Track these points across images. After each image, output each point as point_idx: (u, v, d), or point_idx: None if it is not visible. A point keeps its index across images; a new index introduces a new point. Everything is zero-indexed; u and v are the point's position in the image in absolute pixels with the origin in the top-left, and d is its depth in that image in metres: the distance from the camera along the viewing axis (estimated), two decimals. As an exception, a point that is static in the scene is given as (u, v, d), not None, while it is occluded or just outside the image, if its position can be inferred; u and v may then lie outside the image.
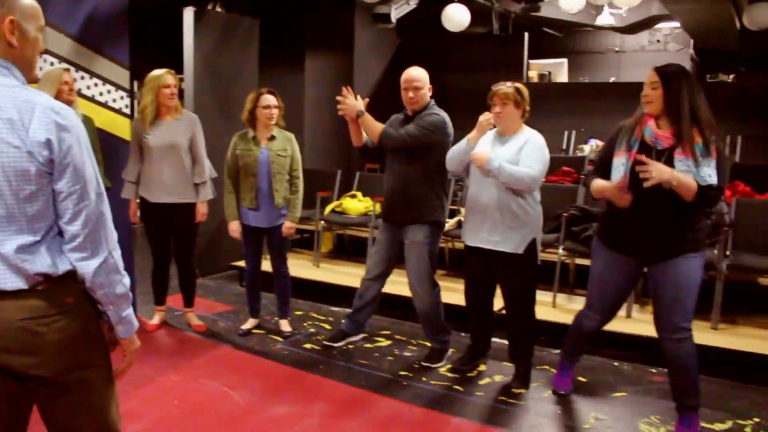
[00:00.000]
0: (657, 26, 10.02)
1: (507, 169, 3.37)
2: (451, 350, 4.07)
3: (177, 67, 5.73)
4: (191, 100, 5.78)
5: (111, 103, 4.49)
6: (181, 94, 5.40)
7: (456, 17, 7.29)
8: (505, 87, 3.50)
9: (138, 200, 4.38)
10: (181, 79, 4.37)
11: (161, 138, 4.18)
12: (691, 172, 2.79)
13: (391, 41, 8.46)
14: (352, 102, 3.79)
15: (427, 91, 3.84)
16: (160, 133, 4.19)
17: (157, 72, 4.17)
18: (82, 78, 4.27)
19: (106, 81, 4.44)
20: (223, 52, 6.02)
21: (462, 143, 3.61)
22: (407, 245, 3.89)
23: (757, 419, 3.28)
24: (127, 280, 1.70)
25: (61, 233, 1.62)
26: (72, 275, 1.63)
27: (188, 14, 5.69)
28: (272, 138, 4.16)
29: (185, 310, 4.63)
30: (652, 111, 2.92)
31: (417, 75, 3.80)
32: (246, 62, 6.28)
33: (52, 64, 4.12)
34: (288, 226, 4.23)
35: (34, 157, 1.53)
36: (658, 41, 11.00)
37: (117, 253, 1.69)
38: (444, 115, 3.82)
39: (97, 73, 4.38)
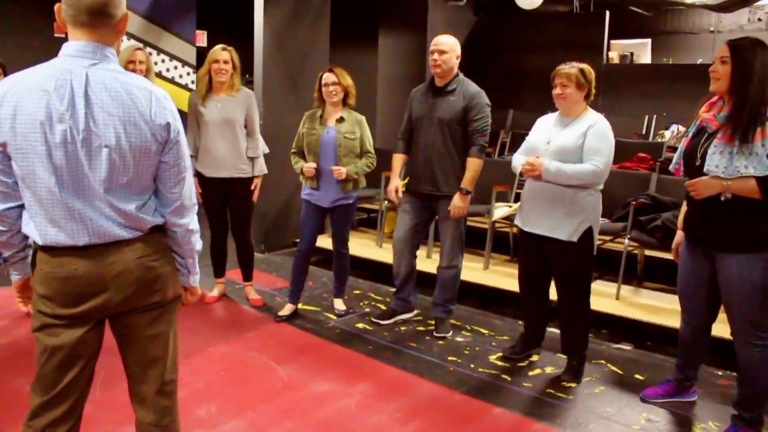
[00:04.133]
0: (758, 3, 9.34)
1: (567, 172, 3.23)
2: (506, 337, 3.97)
3: (248, 43, 5.81)
4: (260, 77, 5.84)
5: (177, 79, 4.60)
6: (249, 70, 5.47)
7: (531, -5, 7.03)
8: (567, 67, 3.34)
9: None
10: (242, 57, 4.35)
11: (217, 113, 4.24)
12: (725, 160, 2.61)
13: (467, 20, 8.28)
14: (460, 203, 3.87)
15: (453, 59, 3.89)
16: (215, 108, 4.25)
17: (217, 47, 4.22)
18: (150, 54, 4.37)
19: (173, 57, 4.54)
20: (293, 28, 6.04)
21: (521, 161, 3.48)
22: (442, 218, 4.00)
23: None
24: (200, 240, 2.04)
25: (155, 195, 1.93)
26: (162, 228, 1.94)
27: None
28: (341, 120, 4.12)
29: (244, 284, 4.71)
30: (718, 88, 2.71)
31: (443, 39, 3.89)
32: (317, 39, 6.27)
33: (121, 41, 4.24)
34: (336, 168, 4.09)
35: (156, 137, 1.83)
36: (759, 20, 10.27)
37: (195, 217, 2.02)
38: (482, 91, 3.92)
39: (164, 49, 4.49)
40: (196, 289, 2.13)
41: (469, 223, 5.26)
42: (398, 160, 4.15)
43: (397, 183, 4.10)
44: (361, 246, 5.66)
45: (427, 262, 5.09)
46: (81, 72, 1.75)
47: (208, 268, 4.75)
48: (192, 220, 1.99)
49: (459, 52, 3.91)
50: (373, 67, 7.78)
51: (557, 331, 3.74)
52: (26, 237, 1.89)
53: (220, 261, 4.69)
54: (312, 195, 4.21)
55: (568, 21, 8.07)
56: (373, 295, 4.92)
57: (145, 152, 1.82)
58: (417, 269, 4.30)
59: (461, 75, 3.95)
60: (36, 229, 1.80)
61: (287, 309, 4.38)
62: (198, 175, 4.35)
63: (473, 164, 3.86)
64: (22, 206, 1.83)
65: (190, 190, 1.97)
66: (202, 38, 8.49)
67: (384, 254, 5.44)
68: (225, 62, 4.18)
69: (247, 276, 4.68)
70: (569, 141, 3.30)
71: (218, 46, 4.21)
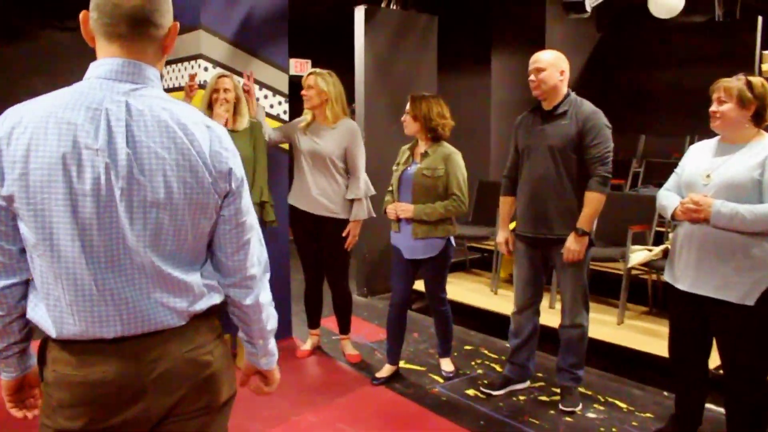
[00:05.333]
0: None
1: (746, 215, 2.49)
2: (649, 414, 3.21)
3: (349, 69, 5.40)
4: (362, 104, 5.40)
5: (269, 109, 4.20)
6: (351, 97, 5.04)
7: (667, 2, 6.19)
8: (731, 80, 2.62)
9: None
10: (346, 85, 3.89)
11: (310, 144, 3.80)
12: None
13: (590, 36, 7.51)
14: (575, 246, 3.18)
15: (555, 75, 3.21)
16: (309, 139, 3.82)
17: (216, 71, 3.83)
18: (238, 83, 3.99)
19: (263, 86, 4.15)
20: (397, 52, 5.57)
21: (674, 201, 2.76)
22: (560, 266, 3.29)
23: None
24: (274, 313, 1.58)
25: (211, 262, 1.48)
26: (216, 307, 1.49)
27: (359, 13, 5.31)
28: (425, 155, 3.55)
29: (340, 337, 4.20)
30: None
31: (541, 54, 3.27)
32: (423, 63, 5.78)
33: (206, 69, 3.90)
34: (396, 205, 3.56)
35: (215, 188, 1.38)
36: None
37: (267, 286, 1.55)
38: (598, 111, 3.22)
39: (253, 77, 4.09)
40: (272, 374, 1.66)
41: (600, 268, 4.53)
42: (506, 204, 3.51)
43: (506, 233, 3.47)
44: (474, 292, 5.03)
45: (549, 313, 4.36)
46: (118, 99, 1.31)
47: (302, 314, 4.28)
48: (262, 292, 1.52)
49: (564, 67, 3.24)
50: (486, 91, 7.19)
51: (718, 409, 2.94)
52: (28, 323, 1.41)
53: (315, 309, 4.21)
54: (397, 240, 3.66)
55: (708, 31, 7.12)
56: (486, 352, 4.26)
57: (202, 208, 1.37)
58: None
59: (573, 94, 3.27)
60: (49, 314, 1.32)
61: (386, 370, 3.80)
62: (291, 208, 3.97)
63: (592, 199, 3.16)
64: (27, 282, 1.36)
65: (258, 255, 1.51)
66: (305, 67, 8.25)
67: (500, 302, 4.75)
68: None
69: (344, 328, 4.16)
70: (739, 174, 2.56)
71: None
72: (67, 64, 6.73)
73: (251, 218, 1.48)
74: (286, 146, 4.16)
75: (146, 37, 1.36)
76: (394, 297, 3.74)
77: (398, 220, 3.58)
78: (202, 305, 1.42)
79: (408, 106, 3.56)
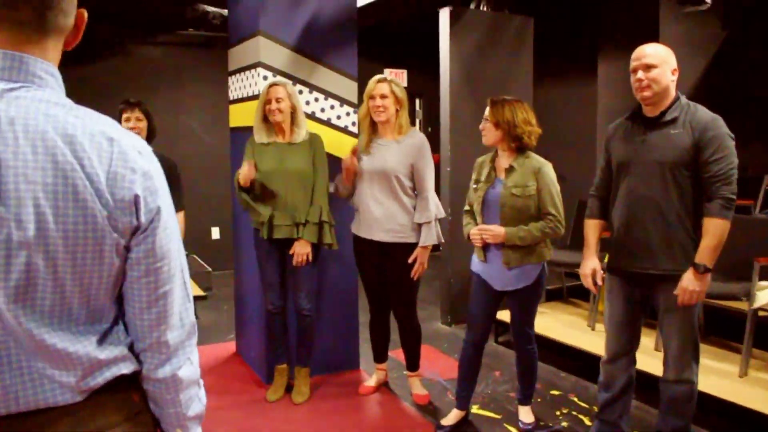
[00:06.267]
0: None
1: None
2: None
3: (434, 75, 4.97)
4: (447, 114, 4.96)
5: (335, 121, 3.85)
6: (433, 109, 4.61)
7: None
8: None
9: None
10: (404, 91, 3.49)
11: (371, 161, 3.41)
12: None
13: (712, 34, 6.65)
14: (694, 285, 2.56)
15: (667, 75, 2.61)
16: (372, 154, 3.42)
17: (271, 79, 3.53)
18: (300, 92, 3.67)
19: (328, 95, 3.81)
20: (488, 57, 5.08)
21: None
22: (665, 309, 2.67)
23: None
24: (203, 395, 1.22)
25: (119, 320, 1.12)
26: (137, 373, 1.13)
27: (444, 15, 4.87)
28: (510, 170, 3.05)
29: (407, 374, 3.76)
30: None
31: (649, 49, 2.65)
32: (516, 69, 5.25)
33: (265, 78, 3.59)
34: (482, 227, 3.06)
35: (113, 222, 1.03)
36: None
37: (195, 355, 1.19)
38: (718, 119, 2.60)
39: (317, 86, 3.76)
40: None
41: (718, 304, 3.80)
42: (592, 228, 2.93)
43: (593, 263, 2.89)
44: (569, 326, 4.43)
45: (649, 356, 3.69)
46: None
47: (368, 343, 3.89)
48: (184, 366, 1.15)
49: (675, 64, 2.64)
50: (592, 98, 6.51)
51: None
52: None
53: (380, 342, 3.80)
54: (481, 269, 3.16)
55: None
56: (576, 399, 3.67)
57: (92, 248, 1.02)
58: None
59: (683, 98, 2.66)
60: None
61: (453, 416, 3.32)
62: (354, 234, 3.60)
63: (715, 227, 2.53)
64: None
65: (180, 314, 1.14)
66: (401, 77, 7.89)
67: (597, 341, 4.11)
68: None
69: (412, 365, 3.72)
70: None
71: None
72: (156, 79, 6.79)
73: (172, 264, 1.11)
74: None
75: (39, 19, 1.03)
76: (471, 333, 3.24)
77: (485, 245, 3.10)
78: (101, 378, 1.07)
79: (487, 112, 3.07)
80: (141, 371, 1.13)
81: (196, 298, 5.54)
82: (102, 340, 1.07)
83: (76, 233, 1.00)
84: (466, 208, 3.25)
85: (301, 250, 3.40)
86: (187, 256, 4.74)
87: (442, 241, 3.52)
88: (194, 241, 6.63)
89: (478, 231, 3.07)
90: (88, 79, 6.04)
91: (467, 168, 3.48)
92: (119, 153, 1.04)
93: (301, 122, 3.43)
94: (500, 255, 3.04)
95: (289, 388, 3.68)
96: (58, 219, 0.98)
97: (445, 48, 4.89)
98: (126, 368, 1.10)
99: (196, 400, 1.19)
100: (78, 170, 0.99)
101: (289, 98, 3.36)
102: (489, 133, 3.07)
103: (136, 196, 1.04)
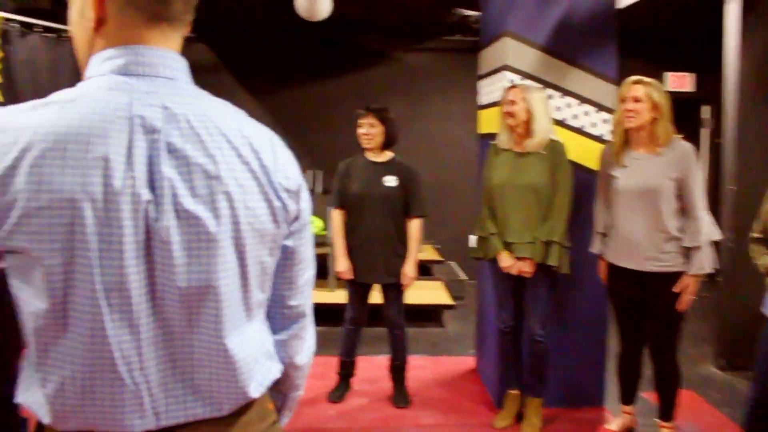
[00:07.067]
0: None
1: None
2: None
3: (715, 74, 4.29)
4: (734, 123, 4.21)
5: (588, 128, 3.47)
6: (692, 111, 3.98)
7: None
8: None
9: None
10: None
11: (631, 177, 2.97)
12: None
13: None
14: None
15: None
16: (631, 170, 2.98)
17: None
18: (550, 97, 3.36)
19: (583, 100, 3.44)
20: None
21: None
22: None
23: None
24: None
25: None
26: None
27: (733, 6, 4.14)
28: None
29: (659, 423, 3.22)
30: None
31: None
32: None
33: (511, 81, 3.36)
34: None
35: (276, 211, 1.01)
36: None
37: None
38: None
39: (570, 90, 3.42)
40: None
41: None
42: None
43: None
44: None
45: None
46: (151, 102, 0.94)
47: (615, 380, 3.42)
48: (313, 350, 1.20)
49: None
50: None
51: None
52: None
53: (631, 380, 3.30)
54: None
55: None
56: None
57: (261, 239, 0.99)
58: None
59: None
60: (46, 399, 0.93)
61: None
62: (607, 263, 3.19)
63: None
64: None
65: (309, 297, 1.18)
66: (685, 82, 7.05)
67: None
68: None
69: (665, 413, 3.16)
70: None
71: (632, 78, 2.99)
72: (423, 84, 6.92)
73: (313, 251, 1.15)
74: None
75: (185, 19, 1.02)
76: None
77: None
78: (258, 386, 1.04)
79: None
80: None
81: (445, 307, 5.47)
82: (257, 337, 1.07)
83: (251, 223, 0.98)
84: (755, 235, 2.66)
85: (522, 268, 3.15)
86: (445, 263, 4.66)
87: (717, 267, 2.95)
88: (453, 248, 6.61)
89: None
90: (359, 88, 6.40)
91: (757, 186, 2.87)
92: (279, 146, 1.05)
93: (538, 130, 3.12)
94: None
95: (521, 417, 3.39)
96: (247, 212, 0.97)
97: (732, 44, 4.16)
98: (277, 373, 1.08)
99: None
100: (258, 162, 0.99)
101: (524, 101, 3.09)
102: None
103: (300, 186, 1.05)
